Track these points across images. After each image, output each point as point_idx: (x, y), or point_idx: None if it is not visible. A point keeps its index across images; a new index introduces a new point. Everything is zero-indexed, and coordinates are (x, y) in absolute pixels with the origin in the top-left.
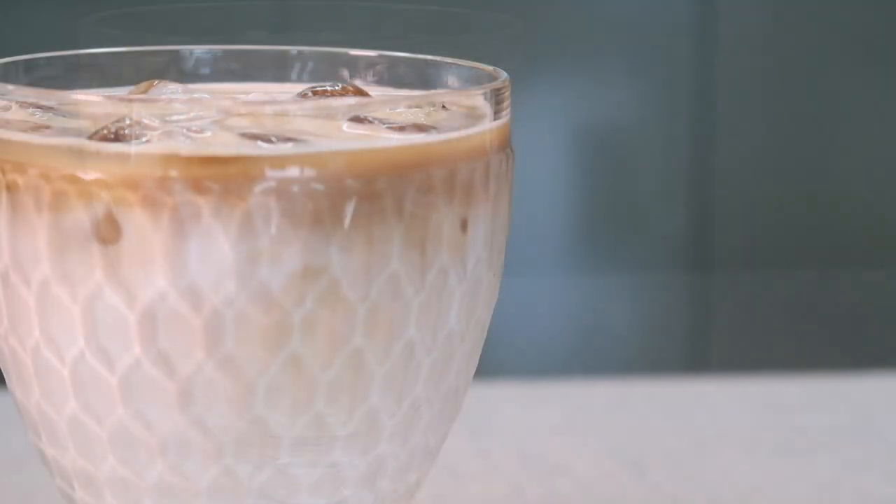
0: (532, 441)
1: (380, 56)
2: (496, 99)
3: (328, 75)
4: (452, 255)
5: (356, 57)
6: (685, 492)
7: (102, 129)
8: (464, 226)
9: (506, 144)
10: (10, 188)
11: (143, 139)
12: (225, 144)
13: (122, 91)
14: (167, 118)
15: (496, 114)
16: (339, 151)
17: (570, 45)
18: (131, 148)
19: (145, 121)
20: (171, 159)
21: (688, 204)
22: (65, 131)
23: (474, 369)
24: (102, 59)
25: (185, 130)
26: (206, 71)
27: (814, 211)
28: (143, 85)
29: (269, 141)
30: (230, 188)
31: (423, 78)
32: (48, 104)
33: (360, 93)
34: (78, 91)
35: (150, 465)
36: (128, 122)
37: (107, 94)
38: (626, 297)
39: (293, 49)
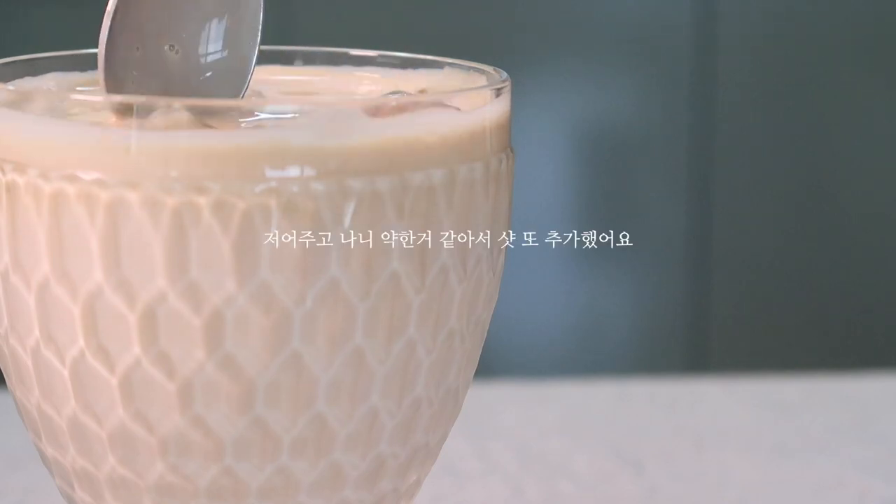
0: (532, 441)
1: (380, 56)
2: (496, 99)
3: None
4: (452, 255)
5: (356, 57)
6: (685, 492)
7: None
8: (463, 225)
9: (506, 144)
10: (10, 188)
11: (143, 139)
12: (226, 143)
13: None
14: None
15: (496, 113)
16: (340, 150)
17: (571, 46)
18: (131, 148)
19: (146, 120)
20: (171, 159)
21: (688, 204)
22: (65, 131)
23: (474, 369)
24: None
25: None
26: None
27: (814, 210)
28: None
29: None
30: (230, 188)
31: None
32: (48, 104)
33: None
34: (77, 90)
35: (150, 465)
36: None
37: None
38: (626, 298)
39: (293, 49)
